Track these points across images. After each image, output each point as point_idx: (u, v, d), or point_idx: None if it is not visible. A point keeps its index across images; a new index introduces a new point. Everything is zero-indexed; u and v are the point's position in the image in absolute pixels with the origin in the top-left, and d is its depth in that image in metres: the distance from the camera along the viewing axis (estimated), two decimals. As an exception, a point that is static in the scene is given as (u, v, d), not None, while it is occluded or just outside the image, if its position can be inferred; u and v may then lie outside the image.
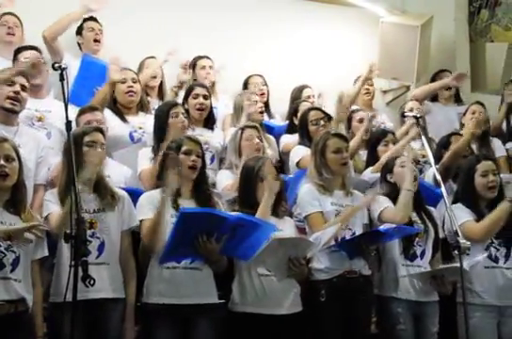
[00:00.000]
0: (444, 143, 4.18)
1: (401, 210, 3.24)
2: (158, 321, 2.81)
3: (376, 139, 4.06)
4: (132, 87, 3.94)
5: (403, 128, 4.37)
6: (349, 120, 4.38)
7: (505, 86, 5.07)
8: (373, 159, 4.00)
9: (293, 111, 4.44)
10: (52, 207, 2.80)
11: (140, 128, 3.93)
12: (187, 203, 2.94)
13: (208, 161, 3.87)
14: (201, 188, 3.01)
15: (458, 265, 3.02)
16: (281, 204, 3.14)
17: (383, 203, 3.32)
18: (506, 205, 3.29)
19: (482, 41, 6.14)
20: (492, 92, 5.53)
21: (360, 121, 4.35)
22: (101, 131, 3.01)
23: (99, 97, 3.88)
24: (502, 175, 3.61)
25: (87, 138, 2.91)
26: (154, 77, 4.47)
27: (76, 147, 2.71)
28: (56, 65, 2.56)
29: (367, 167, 4.02)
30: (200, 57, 4.73)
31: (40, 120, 3.73)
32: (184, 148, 3.00)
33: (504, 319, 3.33)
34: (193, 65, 4.72)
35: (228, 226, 2.74)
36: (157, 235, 2.79)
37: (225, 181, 3.58)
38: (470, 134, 4.01)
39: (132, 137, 3.90)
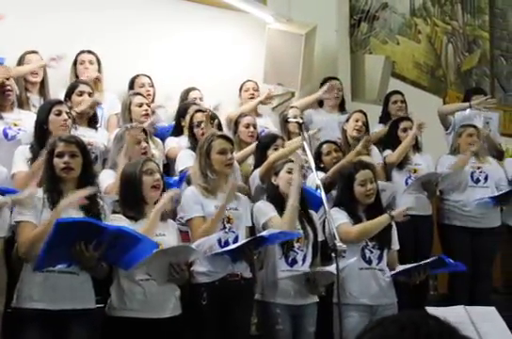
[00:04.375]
0: (316, 153, 4.30)
1: (287, 223, 3.30)
2: (29, 327, 2.70)
3: (266, 144, 4.07)
4: (9, 85, 3.75)
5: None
6: (236, 124, 4.42)
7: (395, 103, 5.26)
8: (262, 163, 4.01)
9: (181, 113, 4.41)
10: None
11: (15, 125, 3.76)
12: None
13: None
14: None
15: (329, 269, 3.16)
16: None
17: (268, 213, 3.37)
18: (386, 218, 3.49)
19: (361, 53, 6.42)
20: (370, 102, 5.79)
21: (247, 125, 4.40)
22: None
23: None
24: (378, 182, 3.79)
25: None
26: (36, 73, 4.29)
27: None
28: None
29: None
30: (82, 52, 4.58)
31: None
32: (56, 150, 2.89)
33: (376, 318, 3.45)
34: (74, 60, 4.58)
35: (107, 234, 2.67)
36: (39, 244, 2.67)
37: (107, 181, 3.48)
38: (355, 154, 4.12)
39: (6, 135, 3.71)
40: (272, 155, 3.89)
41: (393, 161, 4.63)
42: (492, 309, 3.13)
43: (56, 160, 2.88)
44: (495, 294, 5.11)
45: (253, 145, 4.15)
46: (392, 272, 3.50)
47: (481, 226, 4.69)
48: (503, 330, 3.03)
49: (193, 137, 4.03)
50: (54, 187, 2.85)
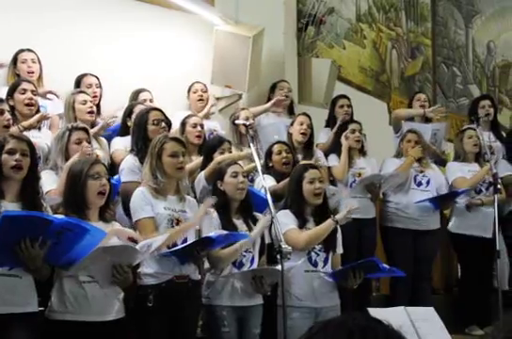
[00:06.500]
0: (268, 152, 4.35)
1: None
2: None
3: (212, 147, 4.05)
4: None
5: None
6: (183, 124, 4.39)
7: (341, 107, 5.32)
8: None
9: (127, 113, 4.34)
10: None
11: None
12: (12, 207, 2.74)
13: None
14: (29, 191, 2.81)
15: (276, 267, 3.17)
16: (109, 208, 3.06)
17: (212, 223, 3.38)
18: (330, 223, 3.51)
19: (308, 56, 6.49)
20: (317, 105, 5.86)
21: (194, 126, 4.39)
22: None
23: None
24: (329, 187, 3.83)
25: None
26: None
27: None
28: None
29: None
30: (22, 51, 4.47)
31: None
32: (7, 147, 2.78)
33: (320, 319, 3.51)
34: (14, 59, 4.45)
35: (53, 230, 2.59)
36: None
37: (49, 182, 3.40)
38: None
39: None
40: (219, 157, 3.88)
41: (340, 178, 4.69)
42: (431, 309, 3.23)
43: (5, 157, 2.74)
44: (435, 294, 5.27)
45: (199, 159, 4.08)
46: (329, 273, 3.54)
47: (422, 228, 4.82)
48: (441, 330, 3.13)
49: (145, 134, 3.90)
50: None
